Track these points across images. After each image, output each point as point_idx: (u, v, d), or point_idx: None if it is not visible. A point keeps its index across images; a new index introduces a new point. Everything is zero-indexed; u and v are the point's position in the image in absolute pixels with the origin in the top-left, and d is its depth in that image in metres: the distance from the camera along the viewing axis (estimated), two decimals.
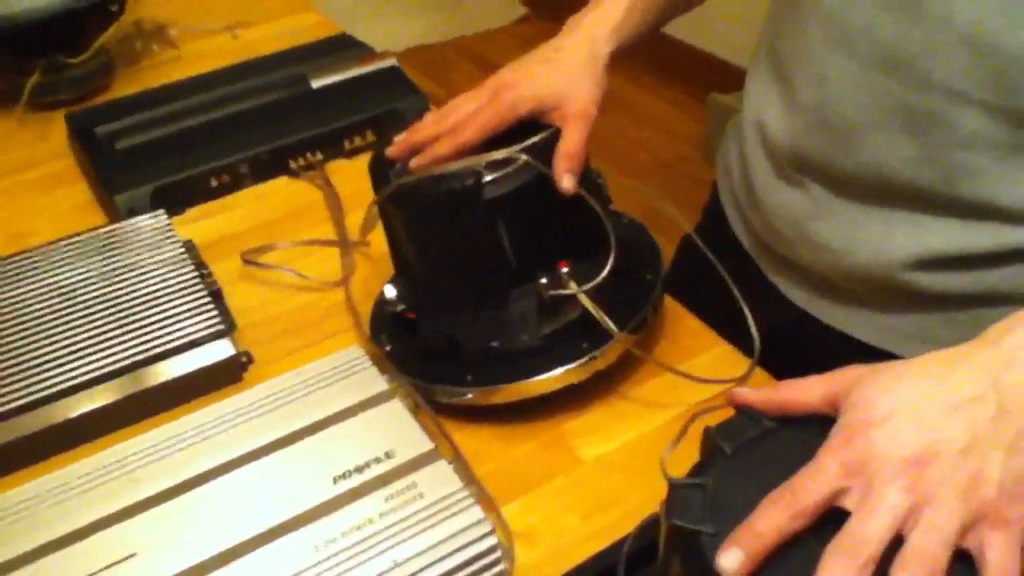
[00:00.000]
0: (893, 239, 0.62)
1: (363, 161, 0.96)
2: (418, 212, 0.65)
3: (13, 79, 1.05)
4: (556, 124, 0.65)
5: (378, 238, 0.84)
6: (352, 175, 0.96)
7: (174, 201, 0.90)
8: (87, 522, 0.57)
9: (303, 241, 0.87)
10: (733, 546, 0.40)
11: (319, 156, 0.96)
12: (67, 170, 0.99)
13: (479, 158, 0.63)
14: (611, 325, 0.63)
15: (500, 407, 0.65)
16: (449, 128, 0.67)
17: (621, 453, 0.64)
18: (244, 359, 0.73)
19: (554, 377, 0.63)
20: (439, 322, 0.67)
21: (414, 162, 0.67)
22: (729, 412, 0.48)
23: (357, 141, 0.98)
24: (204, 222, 0.91)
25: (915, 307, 0.64)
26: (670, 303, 0.75)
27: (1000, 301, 0.61)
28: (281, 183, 0.96)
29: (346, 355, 0.68)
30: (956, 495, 0.40)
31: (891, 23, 0.56)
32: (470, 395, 0.65)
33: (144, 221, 0.82)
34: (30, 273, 0.76)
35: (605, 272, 0.63)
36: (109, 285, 0.75)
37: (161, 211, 0.83)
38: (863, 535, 0.40)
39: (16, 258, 0.78)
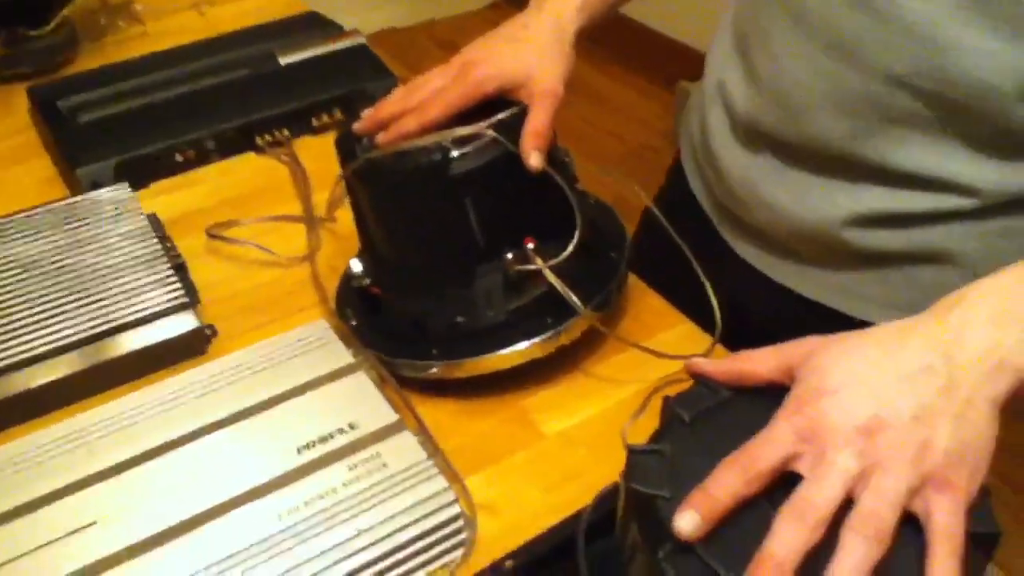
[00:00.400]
0: (835, 200, 0.66)
1: (330, 139, 0.95)
2: (384, 187, 0.65)
3: None
4: (523, 102, 0.66)
5: (345, 215, 0.84)
6: (319, 152, 0.95)
7: (138, 175, 0.90)
8: (45, 492, 0.56)
9: (269, 217, 0.87)
10: (689, 508, 0.42)
11: (286, 133, 0.96)
12: (29, 144, 0.98)
13: (446, 134, 0.63)
14: (576, 301, 0.64)
15: (464, 381, 0.66)
16: (416, 105, 0.67)
17: (583, 428, 0.65)
18: (208, 332, 0.73)
19: (518, 352, 0.64)
20: (405, 298, 0.68)
21: (381, 137, 0.67)
22: (689, 385, 0.49)
23: (325, 119, 0.98)
24: (168, 196, 0.90)
25: (854, 264, 0.68)
26: (634, 281, 0.75)
27: (931, 260, 0.65)
28: (248, 159, 0.95)
29: (311, 329, 0.68)
30: (905, 461, 0.42)
31: (847, 13, 0.60)
32: (435, 369, 0.65)
33: (106, 194, 0.81)
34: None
35: (570, 248, 0.63)
36: (70, 257, 0.74)
37: (124, 184, 0.82)
38: (814, 499, 0.41)
39: None
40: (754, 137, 0.70)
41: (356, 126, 0.70)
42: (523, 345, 0.64)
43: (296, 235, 0.85)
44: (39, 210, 0.79)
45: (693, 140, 0.81)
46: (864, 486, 0.42)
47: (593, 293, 0.66)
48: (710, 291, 0.67)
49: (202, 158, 0.93)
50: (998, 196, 0.61)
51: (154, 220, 0.81)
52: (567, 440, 0.64)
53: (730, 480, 0.42)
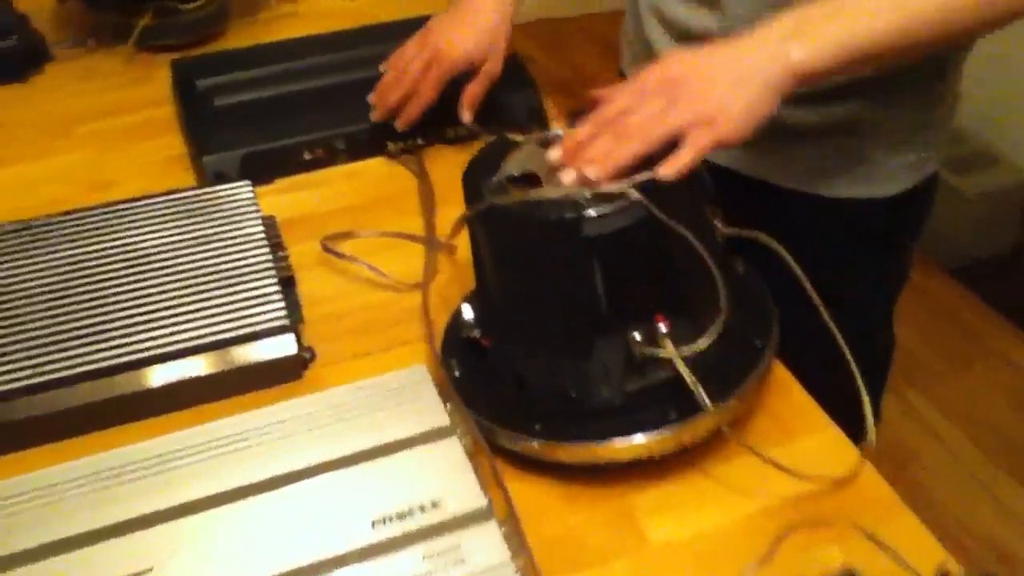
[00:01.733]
0: None
1: (464, 152, 0.91)
2: (508, 238, 0.58)
3: (124, 19, 1.02)
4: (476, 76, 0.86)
5: (466, 242, 0.78)
6: (451, 165, 0.89)
7: (263, 170, 0.86)
8: (106, 523, 0.53)
9: (388, 233, 0.82)
10: (556, 148, 0.61)
11: (419, 141, 0.91)
12: (165, 119, 0.96)
13: (583, 188, 0.56)
14: (705, 398, 0.55)
15: (567, 464, 0.59)
16: (410, 88, 0.86)
17: (695, 542, 0.57)
18: (307, 355, 0.69)
19: (631, 445, 0.57)
20: (514, 357, 0.61)
21: (399, 124, 0.87)
22: (825, 534, 0.41)
23: (461, 130, 0.92)
24: (290, 196, 0.86)
25: (788, 139, 0.79)
26: (776, 368, 0.66)
27: (845, 132, 0.79)
28: (376, 164, 0.90)
29: (411, 375, 0.63)
30: (689, 102, 0.59)
31: None
32: (536, 445, 0.59)
33: (228, 191, 0.77)
34: (106, 230, 0.73)
35: (708, 339, 0.55)
36: (181, 256, 0.71)
37: (247, 183, 0.78)
38: (622, 123, 0.60)
39: (95, 212, 0.75)
40: (689, 40, 0.80)
41: (372, 116, 0.88)
42: (638, 439, 0.56)
43: (413, 256, 0.79)
44: (161, 199, 0.76)
45: (633, 47, 0.92)
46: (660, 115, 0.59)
47: (726, 388, 0.57)
48: (861, 388, 0.58)
49: (330, 158, 0.89)
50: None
51: (270, 224, 0.77)
52: (674, 552, 0.56)
53: (585, 129, 0.60)
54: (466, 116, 0.88)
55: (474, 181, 0.61)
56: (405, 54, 0.88)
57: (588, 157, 0.57)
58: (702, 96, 0.59)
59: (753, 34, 0.62)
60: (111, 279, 0.68)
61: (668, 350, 0.55)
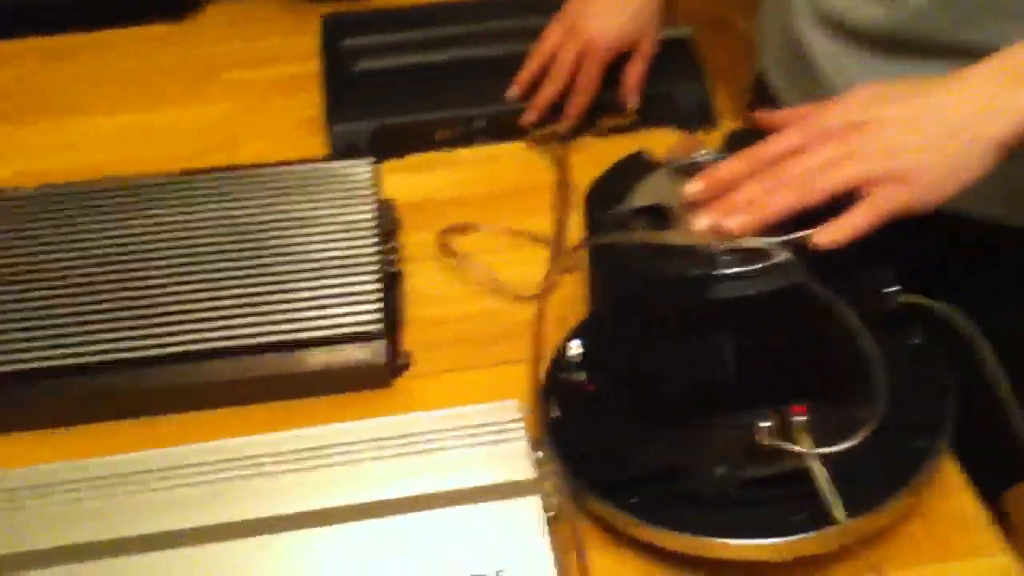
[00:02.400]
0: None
1: (615, 145, 0.82)
2: (625, 282, 0.49)
3: None
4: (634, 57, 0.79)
5: None
6: (598, 161, 0.79)
7: (394, 145, 0.80)
8: (143, 532, 0.49)
9: (512, 230, 0.74)
10: (698, 179, 0.50)
11: (566, 127, 0.82)
12: (310, 76, 0.91)
13: (718, 238, 0.46)
14: (840, 511, 0.45)
15: (661, 549, 0.50)
16: (565, 83, 0.79)
17: None
18: (401, 362, 0.62)
19: (741, 546, 0.47)
20: (620, 413, 0.52)
21: (562, 127, 0.79)
22: None
23: (619, 120, 0.82)
24: (418, 176, 0.80)
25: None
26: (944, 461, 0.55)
27: None
28: (514, 150, 0.82)
29: (503, 411, 0.55)
30: (874, 154, 0.48)
31: None
32: (630, 520, 0.50)
33: (345, 168, 0.72)
34: (214, 196, 0.69)
35: (855, 440, 0.45)
36: (283, 237, 0.66)
37: (368, 161, 0.73)
38: (769, 148, 0.50)
39: (199, 178, 0.71)
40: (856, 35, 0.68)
41: (524, 118, 0.80)
42: (750, 542, 0.47)
43: (535, 262, 0.72)
44: (270, 171, 0.72)
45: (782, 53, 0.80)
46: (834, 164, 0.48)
47: (870, 499, 0.47)
48: None
49: (466, 138, 0.82)
50: None
51: (388, 209, 0.71)
52: None
53: (736, 163, 0.51)
54: (632, 99, 0.80)
55: (596, 206, 0.52)
56: (549, 41, 0.80)
57: (732, 202, 0.47)
58: (897, 146, 0.48)
59: (967, 73, 0.50)
60: (198, 256, 0.64)
61: (802, 447, 0.45)
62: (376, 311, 0.61)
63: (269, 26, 0.99)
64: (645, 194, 0.51)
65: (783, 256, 0.45)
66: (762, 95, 0.87)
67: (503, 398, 0.60)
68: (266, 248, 0.65)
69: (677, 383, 0.49)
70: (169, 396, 0.59)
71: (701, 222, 0.47)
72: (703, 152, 0.54)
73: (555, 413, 0.56)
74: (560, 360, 0.57)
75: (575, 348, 0.55)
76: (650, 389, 0.51)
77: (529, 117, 0.80)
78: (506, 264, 0.71)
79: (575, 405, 0.55)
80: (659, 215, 0.50)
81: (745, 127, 0.63)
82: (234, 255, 0.64)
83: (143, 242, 0.65)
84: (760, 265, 0.45)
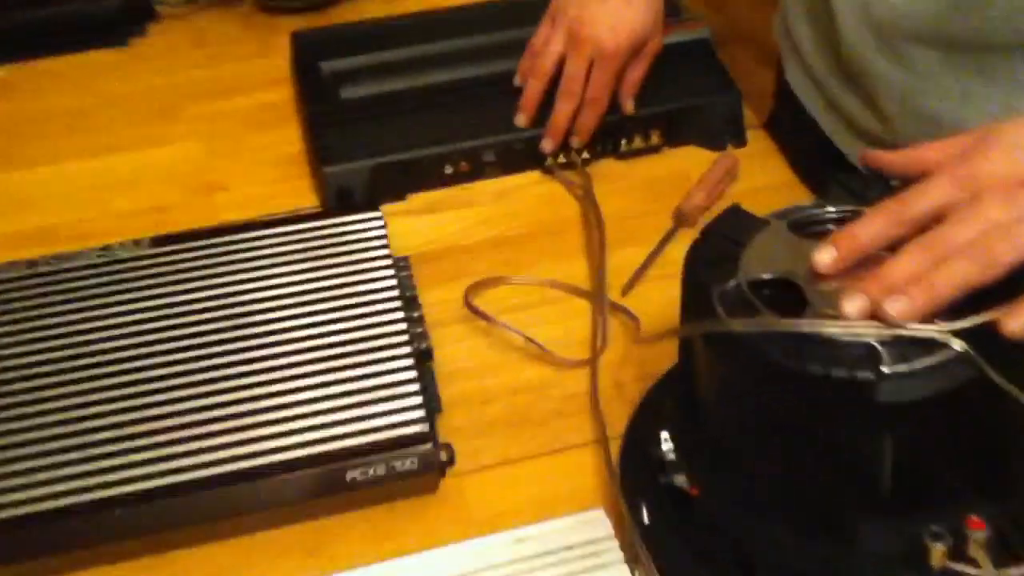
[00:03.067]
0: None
1: (640, 169, 0.74)
2: (754, 379, 0.41)
3: None
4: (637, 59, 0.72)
5: (644, 300, 0.62)
6: (623, 188, 0.72)
7: (395, 185, 0.71)
8: None
9: (545, 282, 0.65)
10: (830, 244, 0.42)
11: (584, 154, 0.73)
12: (283, 104, 0.81)
13: (875, 327, 0.38)
14: None
15: None
16: (579, 100, 0.71)
17: None
18: (444, 458, 0.53)
19: None
20: (736, 524, 0.44)
21: (578, 141, 0.72)
22: None
23: (637, 142, 0.74)
24: (426, 220, 0.70)
25: None
26: None
27: None
28: (530, 181, 0.73)
29: (590, 526, 0.48)
30: None
31: None
32: None
33: (356, 224, 0.62)
34: (200, 271, 0.58)
35: None
36: (290, 317, 0.56)
37: (378, 216, 0.63)
38: (946, 235, 0.40)
39: (188, 246, 0.60)
40: (911, 38, 0.63)
41: (543, 145, 0.72)
42: None
43: (577, 314, 0.63)
44: (277, 231, 0.61)
45: (802, 51, 0.76)
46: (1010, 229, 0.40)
47: None
48: None
49: (476, 172, 0.72)
50: None
51: (403, 268, 0.61)
52: None
53: (877, 223, 0.42)
54: (629, 106, 0.72)
55: (702, 277, 0.43)
56: (550, 54, 0.71)
57: (889, 280, 0.39)
58: None
59: None
60: (191, 352, 0.54)
61: (984, 571, 0.38)
62: (417, 406, 0.52)
63: (229, 48, 0.87)
64: (760, 261, 0.43)
65: (957, 346, 0.37)
66: (787, 103, 0.80)
67: (569, 495, 0.53)
68: (271, 335, 0.55)
69: (816, 488, 0.41)
70: (179, 529, 0.49)
71: (852, 305, 0.39)
72: (813, 206, 0.46)
73: (647, 518, 0.48)
74: (648, 457, 0.48)
75: (667, 445, 0.47)
76: (777, 494, 0.43)
77: (549, 146, 0.71)
78: (545, 322, 0.63)
79: (671, 511, 0.47)
80: (783, 288, 0.42)
81: (831, 171, 0.55)
82: (235, 348, 0.54)
83: (114, 342, 0.54)
84: (932, 359, 0.37)
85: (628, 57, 0.71)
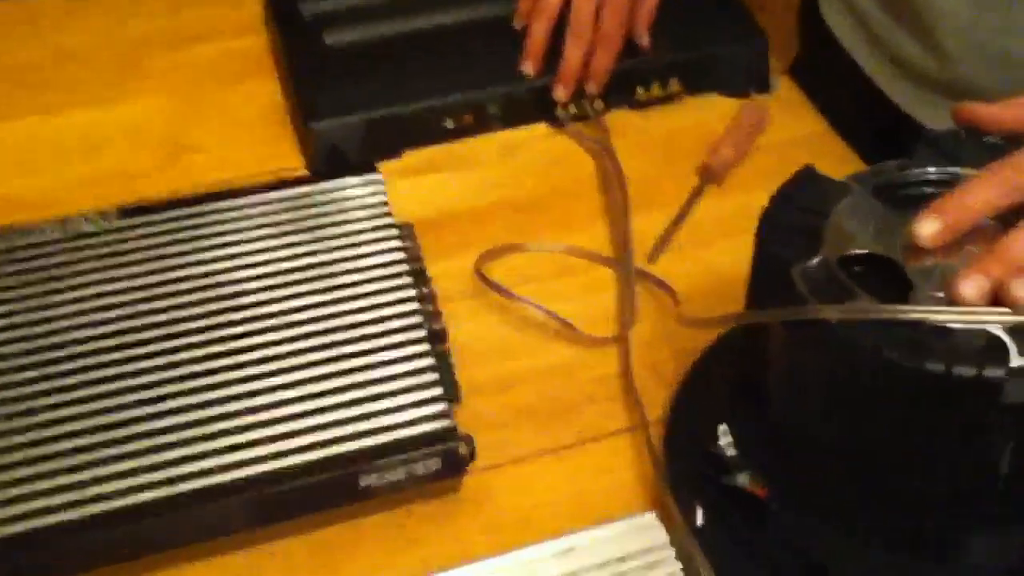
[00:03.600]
0: None
1: (658, 120, 0.67)
2: (848, 369, 0.35)
3: None
4: None
5: (674, 267, 0.56)
6: (641, 143, 0.66)
7: (390, 140, 0.64)
8: None
9: (563, 248, 0.59)
10: (933, 214, 0.36)
11: (599, 104, 0.66)
12: (258, 51, 0.73)
13: (1002, 314, 0.32)
14: None
15: None
16: (591, 43, 0.64)
17: None
18: (465, 451, 0.47)
19: None
20: (812, 534, 0.39)
21: (592, 87, 0.65)
22: None
23: (655, 90, 0.67)
24: (426, 180, 0.63)
25: None
26: None
27: None
28: (539, 133, 0.67)
29: (641, 533, 0.42)
30: None
31: None
32: None
33: (353, 188, 0.55)
34: (179, 246, 0.51)
35: None
36: (287, 296, 0.49)
37: (377, 177, 0.56)
38: None
39: (164, 216, 0.53)
40: None
41: (556, 93, 0.65)
42: None
43: (601, 285, 0.57)
44: (264, 197, 0.54)
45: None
46: None
47: None
48: None
49: (479, 125, 0.65)
50: None
51: (407, 237, 0.55)
52: None
53: (988, 189, 0.37)
54: (645, 40, 0.66)
55: (779, 255, 0.37)
56: None
57: (1015, 257, 0.33)
58: None
59: None
60: (178, 342, 0.47)
61: None
62: (437, 399, 0.46)
63: None
64: (846, 234, 0.37)
65: None
66: (818, 43, 0.73)
67: (608, 491, 0.47)
68: (262, 320, 0.48)
69: (914, 494, 0.36)
70: (166, 550, 0.43)
71: (970, 287, 0.33)
72: (898, 166, 0.40)
73: (700, 520, 0.42)
74: (699, 449, 0.43)
75: (725, 438, 0.41)
76: (865, 499, 0.37)
77: (562, 93, 0.65)
78: (566, 295, 0.56)
79: (732, 515, 0.41)
80: (876, 264, 0.36)
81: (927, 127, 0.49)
82: (221, 337, 0.47)
83: (81, 331, 0.47)
84: None
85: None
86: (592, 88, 0.65)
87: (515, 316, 0.56)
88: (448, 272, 0.57)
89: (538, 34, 0.65)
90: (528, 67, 0.65)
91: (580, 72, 0.64)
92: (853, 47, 0.69)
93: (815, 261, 0.36)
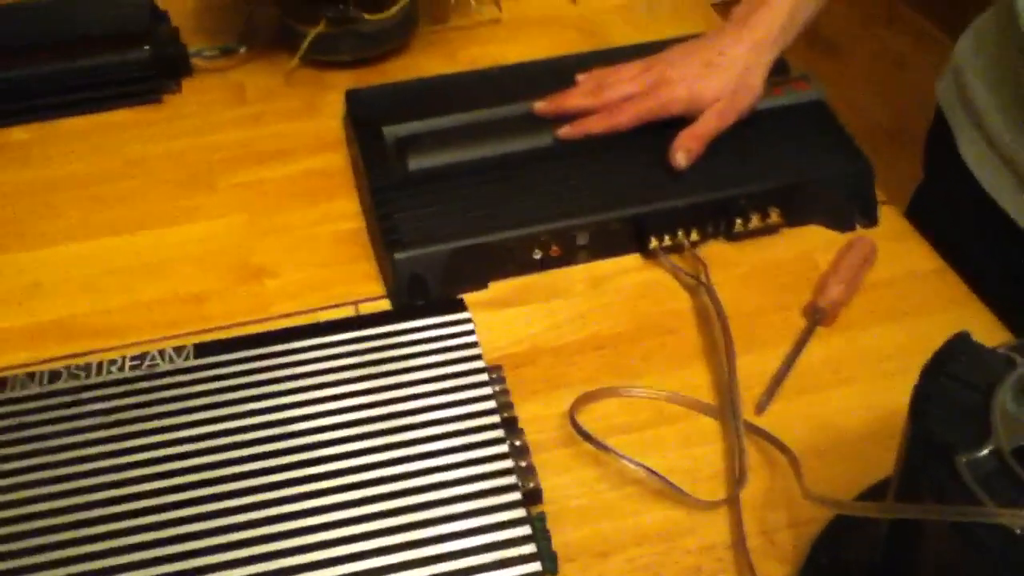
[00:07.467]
0: None
1: (754, 253, 0.64)
2: None
3: (293, 27, 0.78)
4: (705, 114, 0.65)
5: (782, 420, 0.51)
6: (737, 273, 0.62)
7: (474, 272, 0.60)
8: None
9: (664, 395, 0.55)
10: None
11: (693, 236, 0.63)
12: (336, 171, 0.71)
13: None
14: None
15: None
16: (603, 104, 0.67)
17: None
18: None
19: None
20: None
21: (564, 131, 0.66)
22: None
23: (754, 220, 0.64)
24: (510, 314, 0.60)
25: None
26: None
27: None
28: (628, 265, 0.63)
29: None
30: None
31: None
32: None
33: (437, 329, 0.52)
34: (251, 387, 0.48)
35: None
36: (364, 455, 0.46)
37: (466, 316, 0.52)
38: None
39: (241, 356, 0.50)
40: None
41: (538, 106, 0.68)
42: None
43: (705, 437, 0.53)
44: (347, 337, 0.50)
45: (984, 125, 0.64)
46: None
47: None
48: None
49: (567, 256, 0.62)
50: None
51: (496, 381, 0.51)
52: None
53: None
54: (679, 158, 0.63)
55: (942, 440, 0.32)
56: (618, 71, 0.68)
57: None
58: None
59: None
60: (244, 497, 0.43)
61: None
62: (534, 575, 0.41)
63: (272, 106, 0.77)
64: (1017, 420, 0.32)
65: None
66: (949, 180, 0.69)
67: None
68: (342, 476, 0.44)
69: None
70: None
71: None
72: None
73: None
74: None
75: None
76: None
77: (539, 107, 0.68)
78: (665, 445, 0.52)
79: None
80: None
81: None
82: (302, 494, 0.43)
83: (154, 482, 0.43)
84: None
85: (672, 112, 0.65)
86: (561, 133, 0.66)
87: (611, 470, 0.51)
88: (538, 417, 0.53)
89: (572, 100, 0.67)
90: (539, 105, 0.68)
91: (568, 112, 0.67)
92: (997, 189, 0.64)
93: (985, 452, 0.31)
